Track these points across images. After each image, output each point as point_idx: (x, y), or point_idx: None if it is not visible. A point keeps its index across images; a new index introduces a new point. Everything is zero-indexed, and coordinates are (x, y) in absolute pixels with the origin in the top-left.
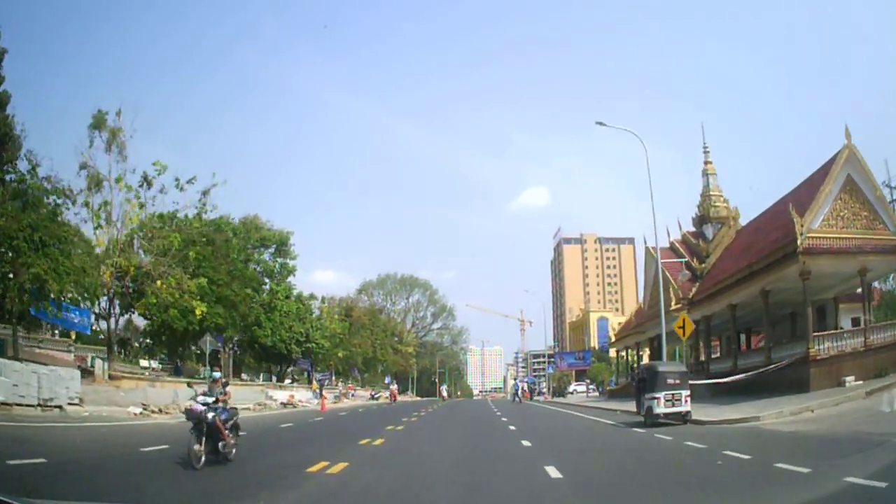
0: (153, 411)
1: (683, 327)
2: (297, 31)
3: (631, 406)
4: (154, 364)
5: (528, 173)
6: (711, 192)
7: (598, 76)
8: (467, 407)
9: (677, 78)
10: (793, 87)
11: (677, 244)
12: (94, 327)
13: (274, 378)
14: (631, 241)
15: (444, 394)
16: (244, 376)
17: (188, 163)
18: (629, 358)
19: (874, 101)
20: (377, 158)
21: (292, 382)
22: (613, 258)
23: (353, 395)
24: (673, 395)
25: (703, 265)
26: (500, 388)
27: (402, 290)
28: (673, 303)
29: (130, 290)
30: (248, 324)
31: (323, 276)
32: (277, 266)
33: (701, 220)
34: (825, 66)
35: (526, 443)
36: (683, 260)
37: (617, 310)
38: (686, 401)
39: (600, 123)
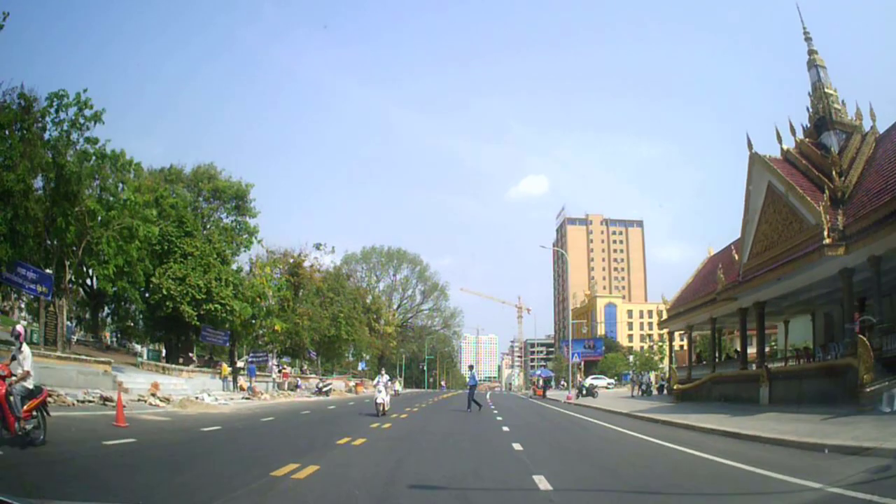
0: None
1: None
2: (299, 19)
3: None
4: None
5: (527, 162)
6: (826, 90)
7: (598, 66)
8: (448, 430)
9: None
10: None
11: (795, 153)
12: None
13: (185, 354)
14: (639, 223)
15: (384, 400)
16: (118, 344)
17: (186, 157)
18: (693, 342)
19: None
20: (377, 145)
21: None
22: (621, 241)
23: (297, 387)
24: None
25: (844, 183)
26: (495, 377)
27: (389, 265)
28: (826, 235)
29: None
30: (81, 258)
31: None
32: (237, 226)
33: (818, 126)
34: None
35: None
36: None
37: (624, 297)
38: None
39: None
